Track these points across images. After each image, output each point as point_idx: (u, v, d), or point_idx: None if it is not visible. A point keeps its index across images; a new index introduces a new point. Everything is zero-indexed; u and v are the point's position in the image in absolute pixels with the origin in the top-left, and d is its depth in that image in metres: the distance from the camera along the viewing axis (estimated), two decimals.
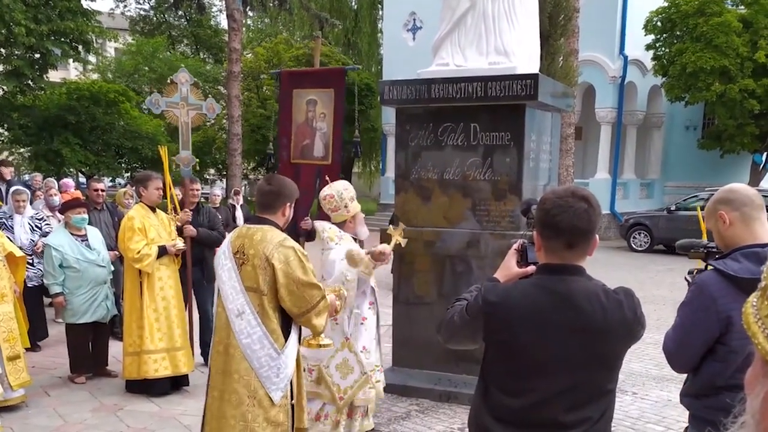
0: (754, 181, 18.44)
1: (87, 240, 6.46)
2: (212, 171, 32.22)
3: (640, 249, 17.56)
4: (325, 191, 5.13)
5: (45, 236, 7.61)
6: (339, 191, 5.06)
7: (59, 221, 8.22)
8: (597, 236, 2.13)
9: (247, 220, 11.43)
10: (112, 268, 6.76)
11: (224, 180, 27.46)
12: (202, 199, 7.24)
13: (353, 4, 32.56)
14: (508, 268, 2.33)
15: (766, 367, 0.67)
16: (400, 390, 5.99)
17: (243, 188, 17.16)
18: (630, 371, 6.86)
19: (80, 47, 21.78)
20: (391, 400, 5.88)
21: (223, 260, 3.53)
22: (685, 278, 2.94)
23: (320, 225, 5.24)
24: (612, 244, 19.01)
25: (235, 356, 3.46)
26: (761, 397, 0.68)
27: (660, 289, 11.93)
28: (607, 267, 13.95)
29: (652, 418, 5.61)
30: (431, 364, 5.91)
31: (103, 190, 8.01)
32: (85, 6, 21.43)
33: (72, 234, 6.40)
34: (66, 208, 6.59)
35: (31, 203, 9.27)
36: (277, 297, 3.43)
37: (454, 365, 5.71)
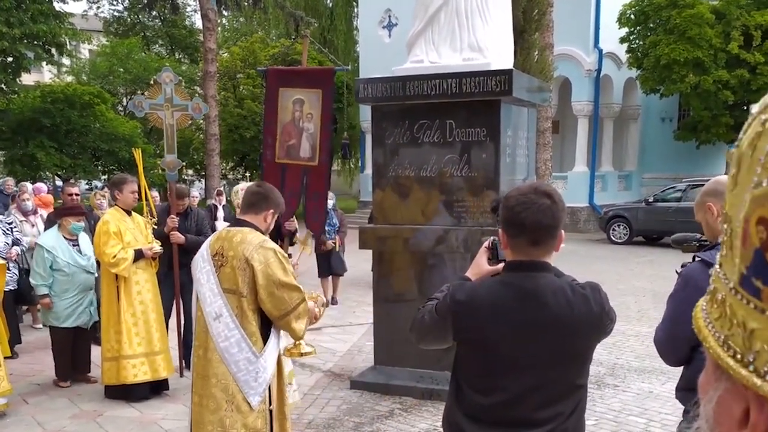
0: (729, 161, 18.69)
1: (78, 245, 6.42)
2: (190, 172, 32.02)
3: (619, 241, 17.68)
4: (242, 185, 5.08)
5: (17, 243, 7.51)
6: (236, 190, 5.01)
7: (32, 226, 8.13)
8: (563, 231, 2.13)
9: (227, 221, 11.38)
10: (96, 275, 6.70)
11: (203, 180, 27.31)
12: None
13: (328, 2, 32.45)
14: (479, 266, 2.33)
15: (717, 371, 0.67)
16: (382, 389, 5.99)
17: (224, 188, 17.10)
18: (611, 364, 6.91)
19: (53, 50, 21.54)
20: (374, 399, 5.88)
21: (201, 263, 3.49)
22: (676, 271, 2.96)
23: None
24: (592, 236, 19.14)
25: (213, 360, 3.43)
26: (714, 402, 0.67)
27: (640, 280, 12.04)
28: (587, 259, 14.06)
29: (634, 410, 5.64)
30: (413, 362, 5.91)
31: (77, 194, 7.90)
32: (57, 9, 21.19)
33: (65, 238, 6.36)
34: (64, 213, 6.54)
35: (6, 208, 9.15)
36: (257, 299, 3.40)
37: (436, 362, 5.71)
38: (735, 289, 0.64)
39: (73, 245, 6.38)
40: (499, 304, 2.09)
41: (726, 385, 0.66)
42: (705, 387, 0.70)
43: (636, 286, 11.40)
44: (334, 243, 9.81)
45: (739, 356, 0.64)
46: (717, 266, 0.70)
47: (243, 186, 5.09)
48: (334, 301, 9.99)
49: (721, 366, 0.66)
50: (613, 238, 17.84)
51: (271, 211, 3.59)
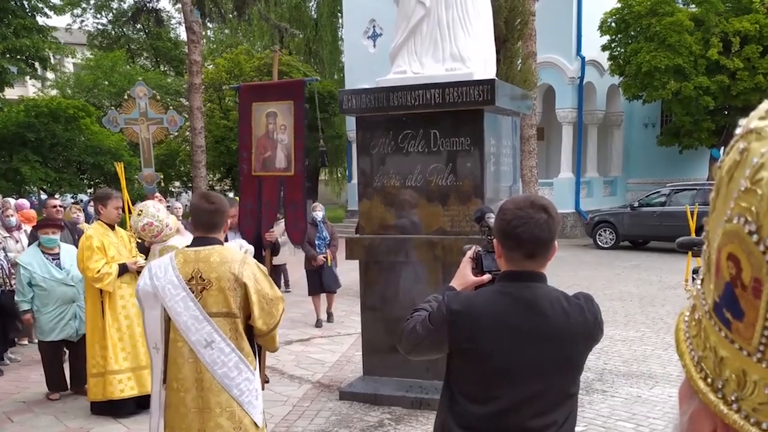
0: (714, 176, 18.84)
1: (58, 259, 6.45)
2: (177, 184, 31.90)
3: (606, 246, 17.77)
4: (142, 221, 4.94)
5: None
6: (154, 215, 4.83)
7: (17, 242, 8.09)
8: (556, 243, 2.15)
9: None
10: None
11: (190, 192, 27.22)
12: None
13: (313, 13, 32.56)
14: (464, 276, 2.33)
15: (691, 388, 0.68)
16: (371, 399, 5.98)
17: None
18: (599, 369, 6.92)
19: (37, 64, 21.44)
20: (363, 409, 5.86)
21: (173, 290, 3.28)
22: (693, 277, 2.98)
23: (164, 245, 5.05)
24: (578, 242, 19.22)
25: (212, 389, 3.27)
26: (688, 415, 0.69)
27: (627, 285, 12.09)
28: (574, 265, 14.12)
29: (623, 415, 5.65)
30: (402, 372, 5.90)
31: (62, 206, 7.86)
32: (41, 23, 21.11)
33: (44, 252, 6.41)
34: (37, 227, 6.65)
35: None
36: (245, 317, 3.32)
37: (424, 372, 5.71)
38: (709, 314, 0.65)
39: (53, 259, 6.42)
40: (498, 314, 2.10)
41: (698, 402, 0.67)
42: (682, 398, 0.72)
43: (623, 291, 11.45)
44: (325, 257, 9.28)
45: (709, 380, 0.64)
46: (699, 282, 0.70)
47: (152, 215, 4.95)
48: (330, 319, 9.55)
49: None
50: (600, 244, 17.93)
51: (228, 221, 3.57)
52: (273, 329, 3.39)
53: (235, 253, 3.38)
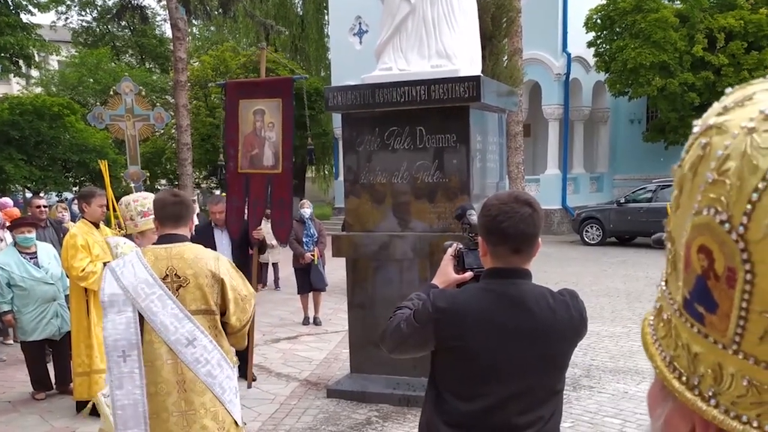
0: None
1: (36, 258, 6.41)
2: (163, 182, 31.74)
3: (593, 242, 17.84)
4: (132, 196, 5.08)
5: None
6: (127, 202, 4.86)
7: (1, 240, 8.03)
8: (540, 239, 2.15)
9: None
10: (67, 284, 6.60)
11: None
12: None
13: (299, 10, 32.45)
14: (446, 274, 2.33)
15: (664, 390, 0.68)
16: (359, 397, 5.98)
17: (197, 197, 16.85)
18: (586, 365, 6.95)
19: (21, 62, 21.23)
20: (351, 407, 5.86)
21: (147, 289, 3.14)
22: None
23: (113, 240, 5.07)
24: (565, 238, 19.29)
25: (196, 390, 3.18)
26: (662, 420, 0.68)
27: (614, 281, 12.14)
28: (561, 261, 14.16)
29: (610, 411, 5.68)
30: (389, 369, 5.90)
31: (46, 206, 7.79)
32: (25, 20, 20.91)
33: (21, 252, 6.38)
34: (12, 227, 6.62)
35: None
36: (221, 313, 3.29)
37: (412, 369, 5.71)
38: (679, 311, 0.65)
39: (30, 258, 6.39)
40: (484, 311, 2.09)
41: (673, 404, 0.66)
42: (653, 404, 0.71)
43: (610, 287, 11.50)
44: (313, 255, 9.15)
45: (684, 378, 0.64)
46: (663, 283, 0.69)
47: (134, 197, 4.98)
48: (316, 321, 9.40)
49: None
50: (587, 240, 18.00)
51: (192, 216, 3.55)
52: (245, 326, 3.35)
53: (207, 250, 3.33)
